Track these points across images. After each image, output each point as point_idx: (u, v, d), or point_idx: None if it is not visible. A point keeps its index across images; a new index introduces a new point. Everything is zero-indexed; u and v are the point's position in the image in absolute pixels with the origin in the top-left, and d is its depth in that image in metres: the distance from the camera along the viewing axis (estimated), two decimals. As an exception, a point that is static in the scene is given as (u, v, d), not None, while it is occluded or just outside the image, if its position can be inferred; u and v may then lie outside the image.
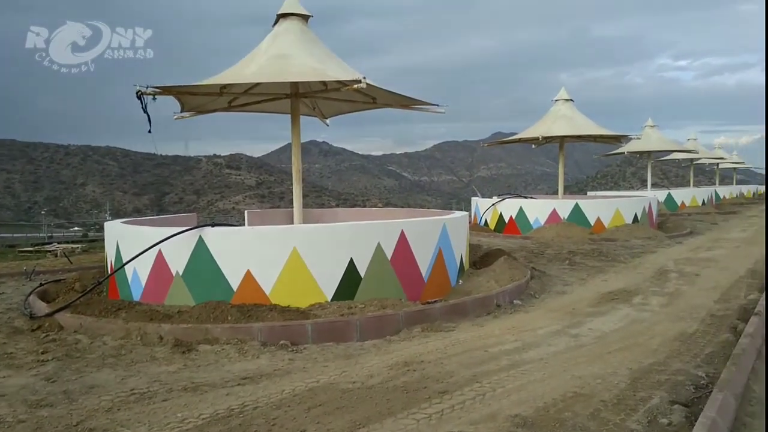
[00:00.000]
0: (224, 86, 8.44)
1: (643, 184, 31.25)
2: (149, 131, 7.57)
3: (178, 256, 6.74)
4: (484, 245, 11.55)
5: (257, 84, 8.78)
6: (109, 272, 7.66)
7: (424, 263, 7.46)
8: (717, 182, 42.83)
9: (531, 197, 18.33)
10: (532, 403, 4.08)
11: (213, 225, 6.96)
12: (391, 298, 6.86)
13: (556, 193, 18.37)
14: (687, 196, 29.28)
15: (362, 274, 6.87)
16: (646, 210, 16.87)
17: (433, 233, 7.70)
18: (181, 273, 6.73)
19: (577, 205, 16.13)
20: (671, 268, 10.37)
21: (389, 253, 7.06)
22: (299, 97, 8.98)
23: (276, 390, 4.45)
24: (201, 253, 6.64)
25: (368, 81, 7.07)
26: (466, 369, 4.88)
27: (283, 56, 7.90)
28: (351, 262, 6.81)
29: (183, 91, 8.40)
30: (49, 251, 14.49)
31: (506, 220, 16.72)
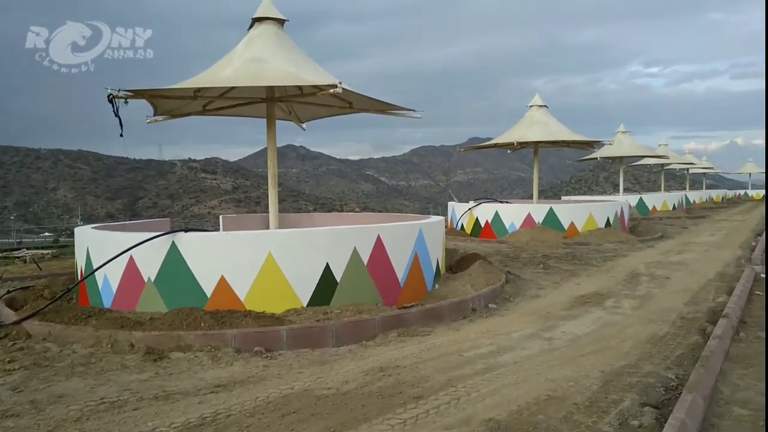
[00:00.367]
0: (198, 90, 8.36)
1: (615, 189, 31.78)
2: (121, 135, 7.46)
3: (150, 262, 6.63)
4: (461, 249, 11.61)
5: (232, 88, 8.71)
6: (79, 279, 7.50)
7: (401, 268, 7.47)
8: (687, 187, 43.85)
9: (506, 202, 18.50)
10: (506, 406, 4.11)
11: (186, 230, 6.87)
12: (367, 303, 6.84)
13: (531, 197, 18.57)
14: (658, 200, 29.90)
15: (338, 279, 6.85)
16: (618, 214, 17.16)
17: (410, 238, 7.72)
18: (153, 279, 6.62)
19: (551, 209, 16.34)
20: (642, 271, 10.55)
21: (365, 258, 7.06)
22: (275, 102, 8.94)
23: (250, 397, 4.40)
24: (174, 259, 6.55)
25: (344, 86, 7.07)
26: (442, 373, 4.89)
27: (258, 60, 7.86)
28: (327, 267, 6.79)
29: (156, 95, 8.29)
30: (18, 257, 14.17)
31: (482, 225, 16.84)
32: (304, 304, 6.65)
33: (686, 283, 9.19)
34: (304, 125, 11.12)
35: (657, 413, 3.90)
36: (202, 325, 5.94)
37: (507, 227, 16.37)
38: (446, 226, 16.00)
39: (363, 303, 6.78)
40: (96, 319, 6.36)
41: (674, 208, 30.13)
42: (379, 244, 7.17)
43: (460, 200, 20.15)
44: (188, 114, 9.78)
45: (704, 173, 50.78)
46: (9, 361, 5.37)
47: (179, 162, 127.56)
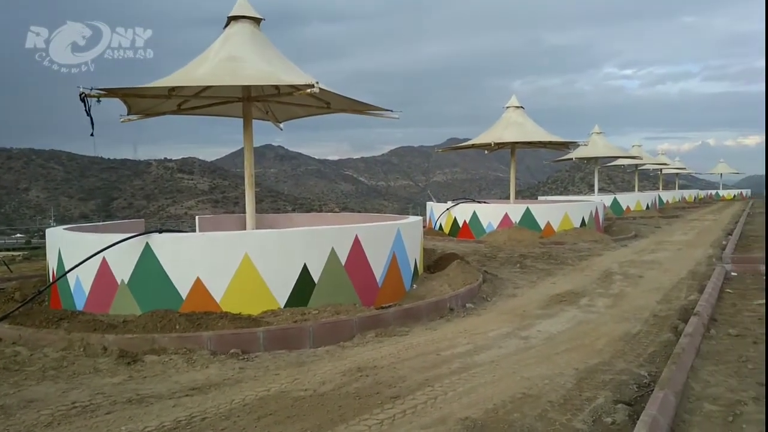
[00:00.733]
0: (173, 89, 8.25)
1: (591, 189, 32.23)
2: (92, 134, 7.33)
3: (123, 263, 6.53)
4: (439, 249, 11.65)
5: (208, 87, 8.62)
6: (51, 281, 7.36)
7: (379, 268, 7.47)
8: (660, 187, 44.66)
9: (484, 202, 18.63)
10: (482, 405, 4.14)
11: (160, 231, 6.77)
12: (345, 303, 6.83)
13: (508, 197, 18.74)
14: (632, 200, 30.41)
15: (316, 279, 6.82)
16: (593, 214, 17.41)
17: (388, 238, 7.73)
18: (126, 281, 6.52)
19: (528, 209, 16.50)
20: (616, 270, 10.72)
21: (343, 259, 7.04)
22: (251, 101, 8.87)
23: (225, 400, 4.36)
24: (148, 260, 6.46)
25: (321, 86, 7.05)
26: (419, 373, 4.90)
27: (234, 59, 7.79)
28: (304, 267, 6.76)
29: (129, 94, 8.16)
30: (-13, 259, 13.78)
31: (460, 225, 16.94)
32: (282, 305, 6.61)
33: (659, 282, 9.36)
34: (281, 125, 11.07)
35: (630, 410, 3.96)
36: (177, 327, 5.87)
37: (485, 227, 16.49)
38: (425, 226, 16.06)
39: (341, 303, 6.77)
40: (68, 322, 6.24)
41: (648, 207, 30.67)
42: (356, 245, 7.17)
43: (439, 200, 20.23)
44: (163, 113, 9.65)
45: (677, 173, 51.84)
46: (-23, 366, 5.24)
47: (155, 162, 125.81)
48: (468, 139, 19.56)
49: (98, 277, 6.67)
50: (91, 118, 7.13)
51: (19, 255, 14.75)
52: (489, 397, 4.30)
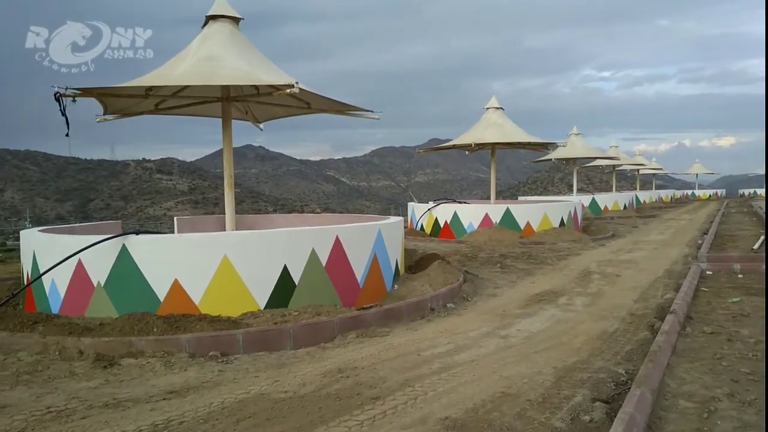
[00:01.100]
0: (150, 88, 8.15)
1: (570, 190, 32.59)
2: (67, 134, 7.20)
3: (99, 265, 6.43)
4: (420, 250, 11.68)
5: (186, 87, 8.53)
6: (25, 284, 7.21)
7: (360, 269, 7.46)
8: (638, 187, 45.34)
9: (465, 202, 18.72)
10: (462, 405, 4.16)
11: (137, 233, 6.68)
12: (326, 304, 6.81)
13: (489, 198, 18.85)
14: (610, 200, 30.80)
15: (296, 281, 6.79)
16: (572, 214, 17.60)
17: (369, 238, 7.72)
18: (102, 284, 6.42)
19: (508, 209, 16.63)
20: (594, 269, 10.85)
21: (324, 260, 7.02)
22: (230, 101, 8.80)
23: (204, 403, 4.32)
24: (124, 262, 6.36)
25: (301, 86, 7.02)
26: (400, 374, 4.91)
27: (212, 58, 7.71)
28: (285, 269, 6.72)
29: (105, 93, 8.04)
30: (-41, 262, 13.48)
31: (441, 225, 17.00)
32: (262, 307, 6.56)
33: (636, 281, 9.49)
34: (261, 125, 10.99)
35: (607, 408, 4.01)
36: (155, 330, 5.80)
37: (465, 227, 16.57)
38: (406, 227, 16.08)
39: (321, 305, 6.74)
40: (43, 326, 6.13)
41: (625, 207, 31.10)
42: (337, 245, 7.15)
43: (421, 201, 20.28)
44: (140, 113, 9.52)
45: (654, 174, 52.62)
46: (-53, 372, 5.11)
47: (133, 162, 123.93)
48: (449, 140, 19.64)
49: (74, 280, 6.56)
50: (66, 118, 7.01)
51: (-8, 257, 14.43)
52: (469, 396, 4.32)
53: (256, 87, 8.41)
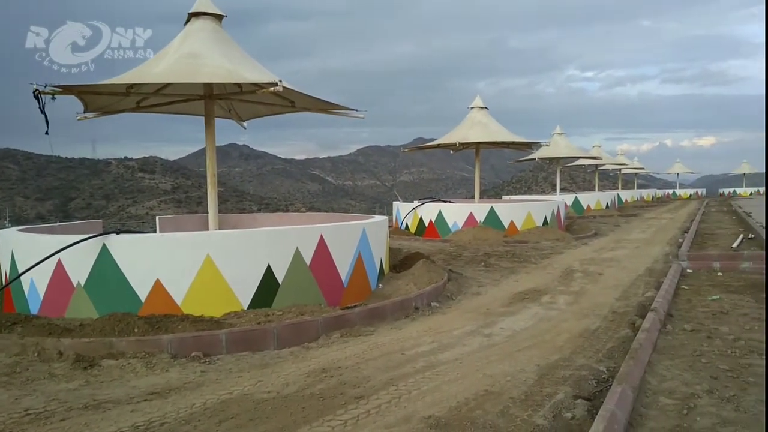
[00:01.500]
0: (131, 86, 8.05)
1: (554, 189, 32.84)
2: (46, 132, 7.09)
3: (79, 265, 6.34)
4: (405, 249, 11.70)
5: (168, 84, 8.44)
6: (4, 284, 7.09)
7: (344, 268, 7.44)
8: (620, 186, 45.80)
9: (450, 201, 18.78)
10: (445, 403, 4.16)
11: (118, 232, 6.60)
12: (310, 304, 6.78)
13: (473, 197, 18.92)
14: (592, 199, 31.11)
15: (280, 280, 6.76)
16: (555, 213, 17.74)
17: (353, 238, 7.70)
18: (83, 284, 6.33)
19: (492, 209, 16.71)
20: (577, 267, 10.94)
21: (308, 259, 6.99)
22: (213, 99, 8.73)
23: (185, 404, 4.28)
24: (105, 262, 6.28)
25: (285, 84, 6.98)
26: (383, 373, 4.90)
27: (194, 56, 7.64)
28: (268, 268, 6.68)
29: (85, 91, 7.93)
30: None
31: (426, 224, 17.03)
32: (245, 307, 6.52)
33: (618, 279, 9.59)
34: (245, 124, 10.91)
35: (589, 405, 4.05)
36: (136, 330, 5.73)
37: (450, 226, 16.62)
38: (391, 226, 16.08)
39: (306, 304, 6.72)
40: (22, 326, 6.04)
41: (607, 206, 31.43)
42: (321, 245, 7.12)
43: (406, 200, 20.31)
44: (121, 111, 9.41)
45: (636, 173, 53.25)
46: None
47: (114, 161, 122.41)
48: (434, 139, 19.68)
49: (53, 280, 6.46)
50: (46, 116, 6.90)
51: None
52: (453, 395, 4.33)
53: (239, 85, 8.35)
